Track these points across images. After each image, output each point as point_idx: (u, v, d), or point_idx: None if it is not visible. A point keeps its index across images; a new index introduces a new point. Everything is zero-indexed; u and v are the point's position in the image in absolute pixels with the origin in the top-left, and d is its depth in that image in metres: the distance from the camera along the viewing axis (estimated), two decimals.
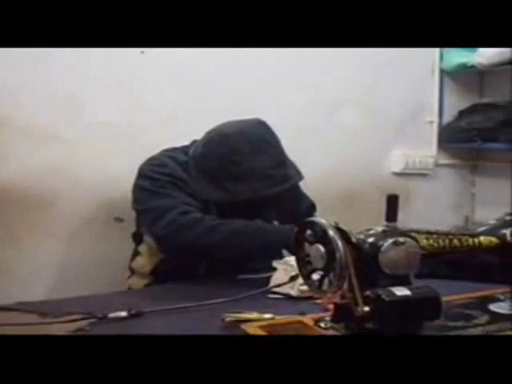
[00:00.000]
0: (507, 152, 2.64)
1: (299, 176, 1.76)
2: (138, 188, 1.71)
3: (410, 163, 2.70)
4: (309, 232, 1.09)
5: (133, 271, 1.84)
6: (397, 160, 2.69)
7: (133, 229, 1.92)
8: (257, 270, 1.68)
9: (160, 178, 1.68)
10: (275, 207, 1.77)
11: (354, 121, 2.54)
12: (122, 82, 2.10)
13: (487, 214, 2.88)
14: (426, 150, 2.78)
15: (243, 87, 2.31)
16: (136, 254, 1.83)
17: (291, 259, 1.48)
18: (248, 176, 1.66)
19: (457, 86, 2.84)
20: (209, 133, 1.78)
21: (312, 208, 1.96)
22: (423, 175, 2.78)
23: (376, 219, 2.65)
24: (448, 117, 2.82)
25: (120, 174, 2.06)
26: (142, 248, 1.81)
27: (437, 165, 2.80)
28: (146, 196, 1.68)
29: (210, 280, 1.62)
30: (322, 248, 1.04)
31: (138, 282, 1.80)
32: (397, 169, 2.69)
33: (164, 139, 2.08)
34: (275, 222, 1.81)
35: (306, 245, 1.09)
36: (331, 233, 1.01)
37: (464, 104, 2.84)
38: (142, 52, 2.09)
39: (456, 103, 2.84)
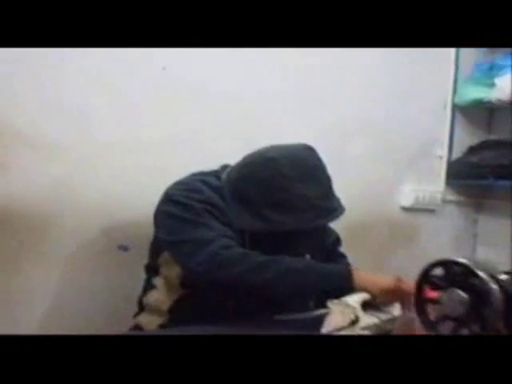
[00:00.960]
0: None
1: (341, 208, 1.61)
2: (167, 215, 1.52)
3: (419, 198, 2.58)
4: (438, 272, 0.93)
5: (143, 307, 1.64)
6: (407, 195, 2.57)
7: (139, 259, 1.73)
8: (293, 308, 1.53)
9: (194, 205, 1.49)
10: (308, 239, 1.62)
11: (365, 153, 2.41)
12: (133, 98, 1.90)
13: (489, 254, 2.83)
14: (434, 186, 2.68)
15: (254, 114, 2.15)
16: (150, 287, 1.63)
17: (350, 300, 1.37)
18: (295, 205, 1.50)
19: (467, 122, 2.76)
20: (249, 156, 1.61)
21: (337, 241, 1.82)
22: (430, 211, 2.67)
23: (385, 253, 2.55)
24: (457, 152, 2.73)
25: (127, 196, 1.87)
26: (159, 281, 1.61)
27: (444, 201, 2.69)
28: (178, 225, 1.48)
29: (241, 321, 1.45)
30: (462, 294, 0.88)
31: (149, 321, 1.59)
32: (407, 204, 2.57)
33: (176, 160, 1.94)
34: (307, 256, 1.66)
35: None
36: (483, 276, 0.85)
37: (472, 140, 2.75)
38: (164, 68, 1.91)
39: (465, 139, 2.75)
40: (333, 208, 1.57)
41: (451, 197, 2.74)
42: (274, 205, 1.50)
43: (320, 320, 1.41)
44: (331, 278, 1.42)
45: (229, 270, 1.40)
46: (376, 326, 1.36)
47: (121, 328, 1.66)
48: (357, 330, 1.32)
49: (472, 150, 2.69)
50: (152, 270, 1.64)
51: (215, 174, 1.64)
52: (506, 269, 2.32)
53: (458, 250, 2.81)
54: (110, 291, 1.86)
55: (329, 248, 1.76)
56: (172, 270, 1.56)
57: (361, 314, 1.35)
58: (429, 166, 2.67)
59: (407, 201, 2.57)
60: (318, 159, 1.58)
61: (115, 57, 1.80)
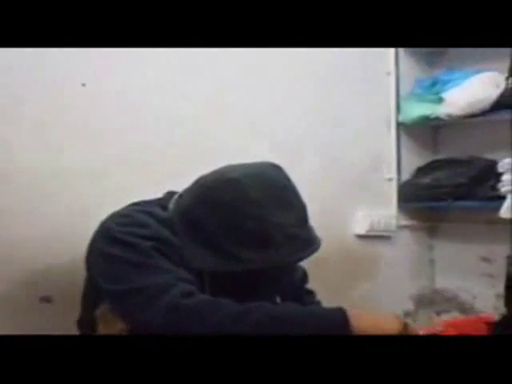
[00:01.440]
0: (475, 211, 2.41)
1: (318, 239, 1.35)
2: (106, 258, 1.21)
3: (374, 224, 2.37)
4: None
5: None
6: (361, 221, 2.36)
7: (65, 310, 1.45)
8: None
9: (140, 244, 1.20)
10: (279, 278, 1.36)
11: (314, 175, 2.18)
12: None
13: (448, 281, 2.66)
14: (387, 210, 2.48)
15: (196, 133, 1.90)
16: None
17: None
18: (268, 237, 1.23)
19: (412, 141, 2.60)
20: (202, 179, 1.32)
21: (305, 276, 1.56)
22: (385, 238, 2.46)
23: (343, 286, 2.31)
24: (404, 173, 2.55)
25: (44, 240, 1.56)
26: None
27: (398, 226, 2.50)
28: (123, 270, 1.19)
29: None
30: None
31: None
32: (361, 231, 2.36)
33: (100, 190, 1.66)
34: (277, 298, 1.40)
35: None
36: None
37: (419, 160, 2.59)
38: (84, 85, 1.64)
39: (412, 159, 2.59)
40: (312, 238, 1.32)
41: (404, 222, 2.55)
42: (241, 238, 1.22)
43: None
44: (323, 326, 1.15)
45: (196, 323, 1.11)
46: None
47: None
48: None
49: (420, 170, 2.53)
50: (86, 326, 1.33)
51: (159, 202, 1.36)
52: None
53: (416, 279, 2.62)
54: None
55: (296, 285, 1.50)
56: (112, 328, 1.25)
57: None
58: (379, 189, 2.47)
59: (361, 228, 2.36)
60: (288, 179, 1.32)
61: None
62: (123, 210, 1.32)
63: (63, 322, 1.46)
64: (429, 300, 2.66)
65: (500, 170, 2.17)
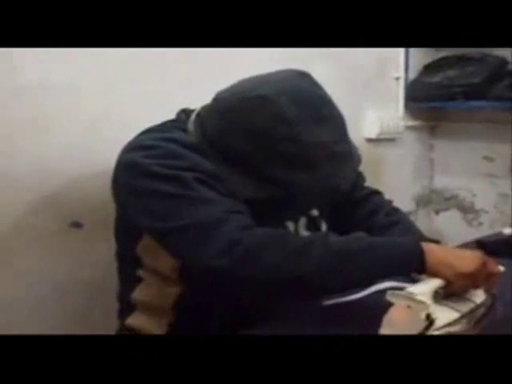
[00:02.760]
0: (483, 110, 2.36)
1: (357, 149, 1.26)
2: (147, 194, 1.08)
3: (383, 127, 2.30)
4: None
5: (132, 306, 1.24)
6: (371, 125, 2.28)
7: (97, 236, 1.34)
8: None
9: (181, 175, 1.06)
10: (317, 196, 1.26)
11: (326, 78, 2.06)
12: None
13: (448, 181, 2.66)
14: (394, 111, 2.40)
15: None
16: (134, 280, 1.22)
17: (417, 291, 0.99)
18: (312, 158, 1.11)
19: None
20: (228, 97, 1.16)
21: (358, 179, 1.44)
22: (392, 140, 2.40)
23: None
24: (412, 72, 2.45)
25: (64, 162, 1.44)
26: (145, 274, 1.20)
27: (404, 127, 2.44)
28: (167, 205, 1.06)
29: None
30: None
31: (148, 323, 1.21)
32: (371, 135, 2.28)
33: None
34: (315, 212, 1.31)
35: None
36: None
37: (425, 57, 2.49)
38: None
39: (418, 56, 2.47)
40: (353, 153, 1.21)
41: (410, 122, 2.49)
42: (281, 162, 1.10)
43: (376, 301, 1.08)
44: (399, 263, 1.06)
45: (259, 259, 1.01)
46: (457, 322, 1.01)
47: (92, 329, 1.30)
48: (432, 332, 0.97)
49: (428, 68, 2.43)
50: (129, 259, 1.22)
51: (178, 125, 1.20)
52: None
53: (417, 179, 2.60)
54: (66, 279, 1.45)
55: (345, 192, 1.33)
56: (162, 262, 1.15)
57: (436, 311, 0.98)
58: (387, 89, 2.38)
59: (372, 132, 2.28)
60: (321, 88, 1.17)
61: None
62: (144, 140, 1.16)
63: (93, 247, 1.42)
64: (428, 199, 2.66)
65: None
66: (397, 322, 0.98)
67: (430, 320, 0.96)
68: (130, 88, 1.54)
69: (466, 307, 1.04)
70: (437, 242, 1.26)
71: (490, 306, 1.08)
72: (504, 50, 2.28)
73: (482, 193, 2.53)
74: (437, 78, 2.33)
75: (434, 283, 1.02)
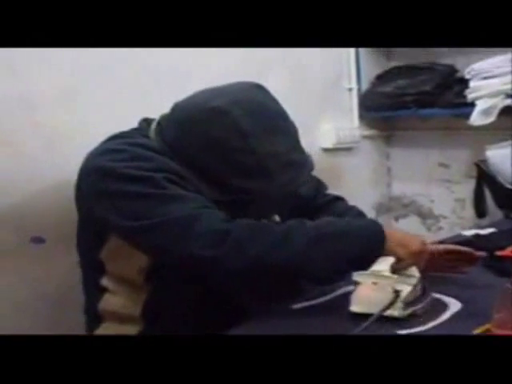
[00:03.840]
0: (435, 118, 2.42)
1: (311, 157, 1.31)
2: (121, 196, 1.10)
3: (340, 137, 2.34)
4: None
5: (99, 316, 1.24)
6: (327, 134, 2.32)
7: (60, 250, 1.34)
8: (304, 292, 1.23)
9: (152, 176, 1.10)
10: (277, 201, 1.30)
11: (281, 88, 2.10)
12: None
13: (406, 188, 2.71)
14: (349, 122, 2.45)
15: None
16: (99, 290, 1.23)
17: (380, 268, 1.10)
18: (268, 168, 1.17)
19: (367, 49, 2.53)
20: (185, 107, 1.21)
21: (319, 186, 1.51)
22: (348, 149, 2.44)
23: None
24: (364, 82, 2.51)
25: (28, 175, 1.44)
26: (108, 282, 1.22)
27: (361, 137, 2.49)
28: (144, 205, 1.09)
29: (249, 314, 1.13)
30: None
31: (119, 331, 1.20)
32: (328, 144, 2.33)
33: None
34: (276, 217, 1.36)
35: None
36: None
37: (376, 68, 2.55)
38: None
39: (369, 68, 2.53)
40: (305, 159, 1.27)
41: (365, 132, 2.54)
42: (236, 170, 1.16)
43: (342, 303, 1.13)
44: (367, 238, 1.12)
45: (246, 249, 1.04)
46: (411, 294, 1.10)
47: None
48: (399, 305, 1.07)
49: (380, 78, 2.49)
50: (93, 268, 1.23)
51: (140, 133, 1.23)
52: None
53: (376, 187, 2.65)
54: (29, 295, 1.44)
55: (306, 198, 1.44)
56: (128, 266, 1.17)
57: (399, 284, 1.09)
58: (341, 100, 2.43)
59: (328, 141, 2.32)
60: (275, 100, 1.24)
61: None
62: (108, 145, 1.19)
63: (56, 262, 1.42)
64: (387, 206, 2.71)
65: (467, 76, 2.17)
66: (365, 299, 1.09)
67: (396, 293, 1.05)
68: (89, 101, 1.56)
69: (413, 280, 1.12)
70: None
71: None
72: (453, 58, 2.36)
73: (440, 198, 2.59)
74: (388, 88, 2.39)
75: (389, 261, 1.11)
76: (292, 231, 1.09)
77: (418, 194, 2.65)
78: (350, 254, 1.10)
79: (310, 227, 1.11)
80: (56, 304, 1.46)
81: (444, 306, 1.14)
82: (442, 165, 2.54)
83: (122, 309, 1.20)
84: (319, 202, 1.47)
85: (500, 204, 2.07)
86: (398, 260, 1.13)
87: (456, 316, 1.11)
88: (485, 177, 2.09)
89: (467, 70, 2.17)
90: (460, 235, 1.72)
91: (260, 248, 1.05)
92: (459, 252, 1.26)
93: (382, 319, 1.05)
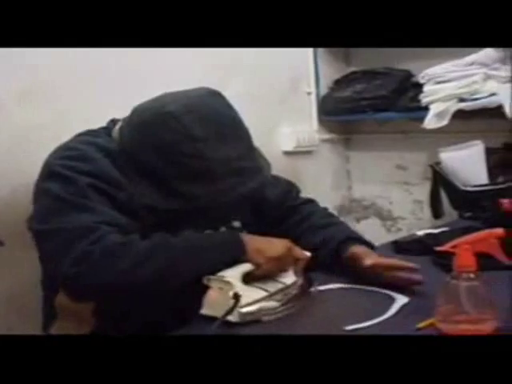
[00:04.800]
0: (392, 122, 2.48)
1: (268, 165, 1.34)
2: (42, 194, 1.16)
3: (300, 140, 2.38)
4: None
5: (56, 314, 1.26)
6: (287, 138, 2.36)
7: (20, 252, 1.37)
8: None
9: (77, 179, 1.14)
10: (234, 206, 1.33)
11: (240, 93, 2.13)
12: None
13: (365, 190, 2.76)
14: (308, 125, 2.50)
15: None
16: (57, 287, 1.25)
17: (227, 274, 1.15)
18: (212, 173, 1.20)
19: (326, 53, 2.58)
20: (141, 111, 1.25)
21: (291, 190, 1.55)
22: (307, 152, 2.49)
23: None
24: (322, 87, 2.56)
25: None
26: None
27: (321, 140, 2.53)
28: (53, 208, 1.13)
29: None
30: None
31: (72, 329, 1.22)
32: (288, 147, 2.37)
33: None
34: (237, 223, 1.39)
35: None
36: None
37: (334, 73, 2.60)
38: None
39: (327, 72, 2.58)
40: (259, 166, 1.29)
41: (324, 135, 2.58)
42: (185, 176, 1.19)
43: None
44: (218, 251, 1.18)
45: (102, 269, 1.09)
46: (266, 299, 1.16)
47: None
48: (238, 310, 1.11)
49: (338, 83, 2.55)
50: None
51: (106, 132, 1.28)
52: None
53: (336, 190, 2.70)
54: None
55: (275, 202, 1.49)
56: None
57: (244, 290, 1.13)
58: (300, 104, 2.47)
59: (288, 145, 2.37)
60: (229, 107, 1.27)
61: None
62: (69, 141, 1.25)
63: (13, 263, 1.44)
64: (348, 208, 2.76)
65: (421, 80, 2.23)
66: (212, 302, 1.14)
67: (236, 297, 1.10)
68: (57, 103, 1.59)
69: (274, 287, 1.18)
70: (371, 245, 1.41)
71: (302, 286, 1.24)
72: (409, 63, 2.42)
73: (398, 200, 2.65)
74: (346, 93, 2.44)
75: (243, 267, 1.17)
76: (153, 248, 1.13)
77: (377, 196, 2.71)
78: (206, 263, 1.16)
79: (171, 242, 1.16)
80: (13, 306, 1.47)
81: (391, 301, 1.18)
82: (399, 167, 2.60)
83: (75, 306, 1.21)
84: (289, 204, 1.51)
85: (455, 204, 2.13)
86: (257, 266, 1.18)
87: (402, 310, 1.15)
88: (440, 178, 2.14)
89: (421, 74, 2.24)
90: (413, 234, 1.78)
91: (118, 268, 1.09)
92: (401, 267, 1.28)
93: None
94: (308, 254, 1.29)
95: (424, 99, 2.20)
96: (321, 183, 2.58)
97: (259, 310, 1.13)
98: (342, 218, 2.67)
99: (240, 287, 1.13)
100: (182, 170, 1.18)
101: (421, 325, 1.04)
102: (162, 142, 1.18)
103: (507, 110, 1.99)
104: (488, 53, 2.08)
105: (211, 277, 1.14)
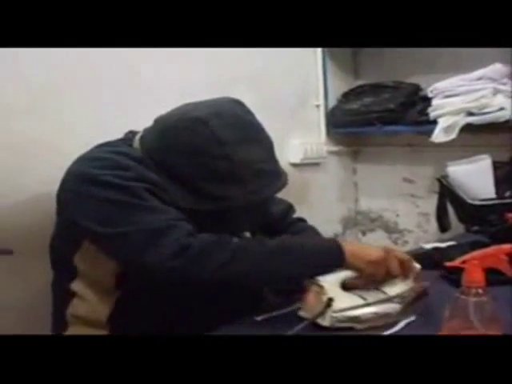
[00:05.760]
0: (400, 135, 2.49)
1: (285, 171, 1.37)
2: (96, 201, 1.16)
3: (308, 152, 2.40)
4: None
5: (66, 321, 1.27)
6: (295, 150, 2.38)
7: (30, 261, 1.39)
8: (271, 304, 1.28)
9: (131, 185, 1.16)
10: (252, 213, 1.35)
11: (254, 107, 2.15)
12: None
13: (372, 202, 2.77)
14: (317, 137, 2.51)
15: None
16: (67, 295, 1.27)
17: (325, 279, 1.19)
18: (241, 174, 1.23)
19: (335, 67, 2.60)
20: (166, 119, 1.28)
21: (290, 208, 1.58)
22: (315, 164, 2.50)
23: None
24: (331, 100, 2.57)
25: None
26: (79, 286, 1.26)
27: (328, 152, 2.55)
28: (119, 212, 1.15)
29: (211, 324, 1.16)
30: None
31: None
32: (296, 159, 2.38)
33: None
34: (246, 234, 1.42)
35: None
36: None
37: (343, 86, 2.62)
38: None
39: (336, 85, 2.60)
40: (279, 172, 1.33)
41: (332, 148, 2.60)
42: (212, 178, 1.22)
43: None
44: (322, 255, 1.20)
45: (204, 262, 1.11)
46: (360, 308, 1.17)
47: None
48: (330, 314, 1.13)
49: (346, 96, 2.56)
50: (65, 271, 1.27)
51: (125, 142, 1.31)
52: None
53: (343, 202, 2.71)
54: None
55: (277, 217, 1.51)
56: (101, 270, 1.21)
57: (338, 294, 1.16)
58: (309, 116, 2.49)
59: (296, 157, 2.38)
60: (251, 114, 1.32)
61: None
62: (93, 153, 1.27)
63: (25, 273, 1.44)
64: (354, 221, 2.77)
65: (430, 94, 2.24)
66: (309, 304, 1.18)
67: (328, 302, 1.13)
68: (61, 113, 1.60)
69: (374, 297, 1.18)
70: None
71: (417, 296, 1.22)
72: (417, 77, 2.44)
73: (405, 213, 2.65)
74: (355, 105, 2.46)
75: (343, 273, 1.20)
76: (250, 246, 1.17)
77: (384, 209, 2.72)
78: (305, 267, 1.18)
79: (267, 242, 1.18)
80: (25, 316, 1.48)
81: None
82: (406, 180, 2.61)
83: (89, 313, 1.24)
84: (286, 222, 1.53)
85: (461, 218, 2.13)
86: (360, 271, 1.20)
87: (410, 325, 1.15)
88: (447, 192, 2.15)
89: (430, 88, 2.25)
90: (421, 248, 1.78)
91: (217, 261, 1.12)
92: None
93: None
94: (418, 266, 1.26)
95: (432, 113, 2.21)
96: (328, 195, 2.60)
97: (354, 318, 1.14)
98: (348, 231, 2.72)
99: (336, 292, 1.16)
100: (210, 171, 1.22)
101: None
102: (190, 146, 1.22)
103: None
104: (496, 67, 2.09)
105: (311, 280, 1.19)
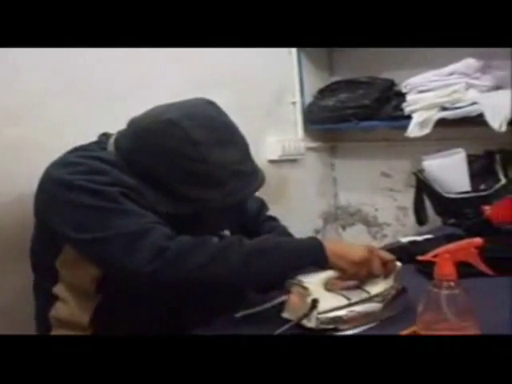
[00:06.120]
0: (377, 130, 2.52)
1: (261, 171, 1.38)
2: (75, 207, 1.16)
3: (285, 149, 2.42)
4: None
5: (50, 324, 1.28)
6: (272, 147, 2.40)
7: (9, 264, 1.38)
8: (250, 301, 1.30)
9: (106, 190, 1.16)
10: (229, 213, 1.36)
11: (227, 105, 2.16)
12: None
13: (351, 197, 2.80)
14: (294, 134, 2.53)
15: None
16: (50, 298, 1.28)
17: (308, 280, 1.19)
18: (218, 176, 1.23)
19: (310, 64, 2.62)
20: (139, 121, 1.28)
21: (262, 206, 1.58)
22: (293, 161, 2.52)
23: None
24: (307, 96, 2.59)
25: None
26: (60, 289, 1.26)
27: (306, 149, 2.57)
28: (96, 217, 1.15)
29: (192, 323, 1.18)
30: None
31: None
32: (274, 156, 2.40)
33: None
34: (227, 233, 1.43)
35: None
36: None
37: (318, 83, 2.64)
38: None
39: (311, 82, 2.62)
40: (256, 171, 1.34)
41: (310, 144, 2.62)
42: (187, 180, 1.22)
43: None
44: (303, 255, 1.20)
45: (182, 264, 1.12)
46: (344, 308, 1.17)
47: None
48: (315, 315, 1.14)
49: (322, 92, 2.58)
50: (47, 275, 1.28)
51: (99, 146, 1.30)
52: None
53: (322, 197, 2.73)
54: None
55: (251, 215, 1.52)
56: (81, 275, 1.22)
57: (322, 295, 1.16)
58: (285, 114, 2.51)
59: (274, 153, 2.40)
60: (225, 115, 1.31)
61: None
62: (67, 157, 1.26)
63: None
64: (334, 215, 2.79)
65: (404, 90, 2.27)
66: (292, 306, 1.19)
67: (314, 303, 1.12)
68: (47, 113, 1.61)
69: (357, 297, 1.18)
70: None
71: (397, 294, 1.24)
72: (391, 72, 2.46)
73: (384, 207, 2.68)
74: (330, 102, 2.48)
75: (326, 274, 1.20)
76: (229, 246, 1.16)
77: (362, 203, 2.75)
78: (285, 267, 1.19)
79: (246, 243, 1.18)
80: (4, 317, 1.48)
81: None
82: (384, 174, 2.64)
83: (71, 317, 1.25)
84: (260, 220, 1.55)
85: (438, 211, 2.16)
86: (343, 272, 1.20)
87: (386, 318, 1.18)
88: (423, 186, 2.18)
89: (404, 84, 2.28)
90: (397, 242, 1.81)
91: (195, 264, 1.12)
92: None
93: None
94: (399, 264, 1.27)
95: (407, 108, 2.24)
96: (307, 191, 2.62)
97: (338, 318, 1.14)
98: (328, 226, 2.75)
99: (320, 293, 1.16)
100: (185, 174, 1.22)
101: (403, 333, 1.07)
102: (163, 148, 1.22)
103: (488, 118, 2.03)
104: (468, 62, 2.12)
105: (293, 281, 1.19)
